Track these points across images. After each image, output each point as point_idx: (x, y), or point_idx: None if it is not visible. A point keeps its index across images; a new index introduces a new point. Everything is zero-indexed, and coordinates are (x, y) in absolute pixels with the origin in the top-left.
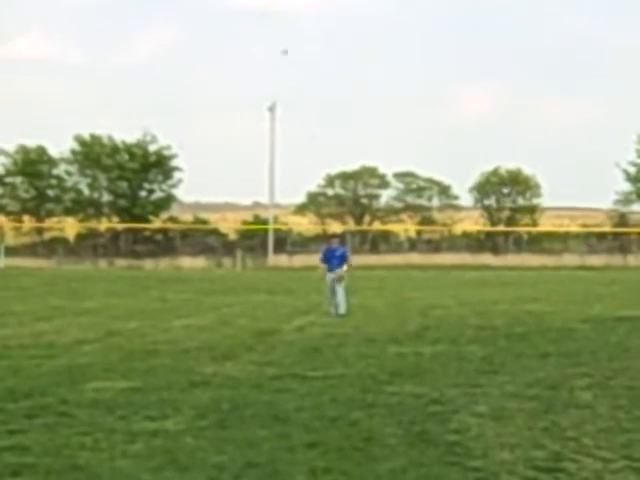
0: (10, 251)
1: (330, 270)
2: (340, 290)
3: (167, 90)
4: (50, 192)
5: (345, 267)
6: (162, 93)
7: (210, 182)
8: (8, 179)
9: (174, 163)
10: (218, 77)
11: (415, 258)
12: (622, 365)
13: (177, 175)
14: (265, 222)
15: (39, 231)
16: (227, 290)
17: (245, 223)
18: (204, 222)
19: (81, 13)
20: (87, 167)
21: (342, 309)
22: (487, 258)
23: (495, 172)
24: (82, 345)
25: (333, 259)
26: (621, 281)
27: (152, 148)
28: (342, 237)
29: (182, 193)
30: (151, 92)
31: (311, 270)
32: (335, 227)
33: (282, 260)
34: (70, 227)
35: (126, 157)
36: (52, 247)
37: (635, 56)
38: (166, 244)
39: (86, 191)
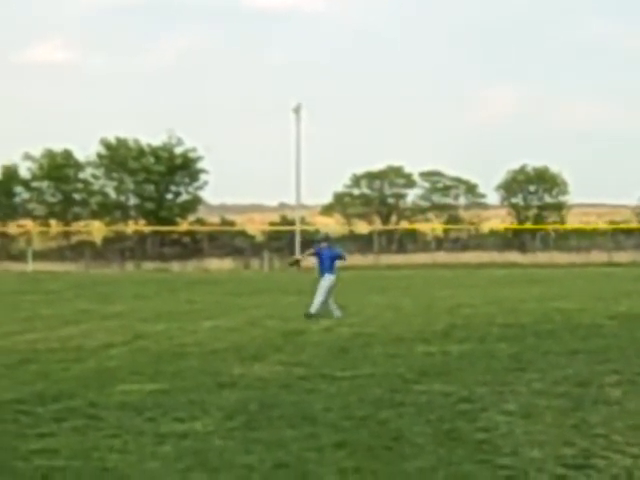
0: (38, 255)
1: (321, 273)
2: (321, 290)
3: (192, 93)
4: (77, 196)
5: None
6: (187, 96)
7: (236, 184)
8: (35, 183)
9: (200, 165)
10: (243, 79)
11: (442, 257)
12: None
13: (203, 177)
14: (292, 223)
15: (66, 235)
16: (255, 291)
17: (272, 224)
18: (231, 224)
19: (105, 18)
20: (113, 170)
21: (313, 308)
22: (514, 256)
23: (522, 170)
24: (110, 348)
25: (321, 262)
26: None
27: (178, 151)
28: (328, 238)
29: (209, 195)
30: (176, 95)
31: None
32: (362, 227)
33: (309, 261)
34: (97, 230)
35: (152, 160)
36: (79, 251)
37: None
38: (193, 246)
39: (112, 194)
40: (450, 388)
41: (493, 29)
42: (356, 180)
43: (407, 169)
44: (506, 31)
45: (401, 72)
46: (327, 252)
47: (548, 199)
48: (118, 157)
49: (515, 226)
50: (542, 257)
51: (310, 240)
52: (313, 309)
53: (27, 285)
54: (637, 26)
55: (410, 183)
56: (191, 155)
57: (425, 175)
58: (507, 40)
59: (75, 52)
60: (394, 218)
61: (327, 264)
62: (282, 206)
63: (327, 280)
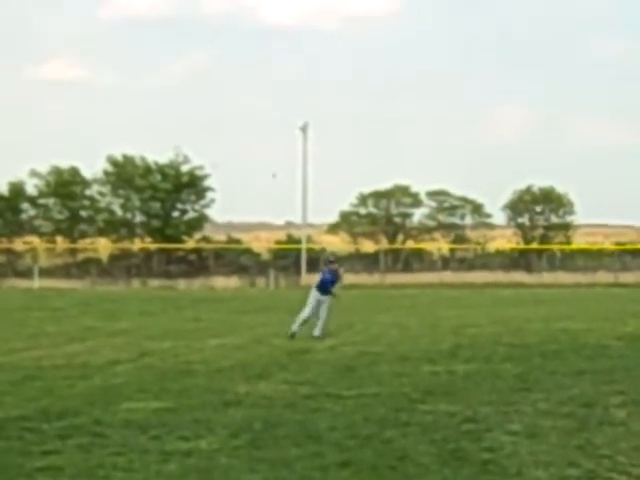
0: (44, 272)
1: (320, 291)
2: (324, 312)
3: (200, 110)
4: (83, 213)
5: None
6: (195, 113)
7: (243, 202)
8: (41, 200)
9: (207, 183)
10: (249, 97)
11: (448, 276)
12: None
13: (210, 195)
14: (298, 241)
15: (72, 252)
16: (261, 309)
17: (278, 242)
18: (237, 242)
19: (112, 35)
20: (120, 188)
21: (319, 331)
22: (521, 276)
23: (528, 190)
24: (115, 365)
25: (327, 282)
26: None
27: (184, 168)
28: (350, 257)
29: (215, 213)
30: (184, 112)
31: (345, 289)
32: (368, 246)
33: (315, 279)
34: (103, 248)
35: (159, 177)
36: (85, 268)
37: None
38: (199, 264)
39: (119, 212)
40: (455, 408)
41: (499, 51)
42: (363, 199)
43: (414, 188)
44: (512, 52)
45: (408, 92)
46: (332, 274)
47: (554, 219)
48: (125, 174)
49: (521, 246)
50: (548, 277)
51: (316, 258)
52: (318, 331)
53: (33, 302)
54: None
55: (417, 202)
56: (198, 173)
57: (432, 195)
58: (513, 61)
59: (84, 69)
60: (400, 237)
61: (330, 285)
62: (288, 224)
63: (327, 300)
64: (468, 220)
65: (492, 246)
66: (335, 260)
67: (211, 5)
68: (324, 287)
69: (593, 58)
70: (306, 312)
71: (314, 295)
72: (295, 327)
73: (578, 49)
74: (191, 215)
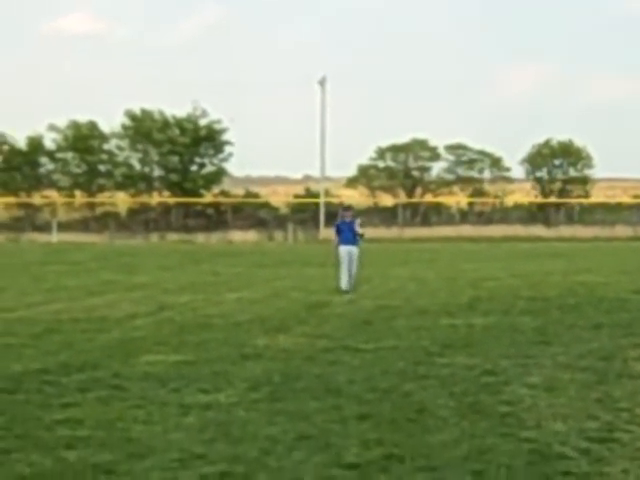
0: (62, 226)
1: (343, 243)
2: (354, 264)
3: (218, 65)
4: (101, 167)
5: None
6: (212, 68)
7: (261, 156)
8: (60, 155)
9: (225, 137)
10: (268, 51)
11: (467, 230)
12: None
13: (228, 149)
14: (316, 195)
15: (91, 206)
16: (279, 263)
17: (296, 196)
18: (255, 196)
19: None
20: (138, 142)
21: (349, 284)
22: (539, 230)
23: (546, 144)
24: (134, 319)
25: (347, 232)
26: None
27: (202, 122)
28: (353, 209)
29: (233, 167)
30: (201, 67)
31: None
32: (386, 200)
33: (333, 233)
34: (122, 202)
35: (177, 131)
36: (104, 222)
37: None
38: (217, 218)
39: (137, 166)
40: (474, 361)
41: (518, 6)
42: (381, 153)
43: (432, 142)
44: (531, 7)
45: (426, 46)
46: (353, 222)
47: (573, 173)
48: (143, 128)
49: (540, 200)
50: (566, 231)
51: (334, 212)
52: (349, 285)
53: (51, 256)
54: None
55: (435, 156)
56: (216, 127)
57: (450, 148)
58: (532, 16)
59: (102, 23)
60: (419, 191)
61: (350, 235)
62: (306, 178)
63: (348, 248)
64: (486, 174)
65: (510, 200)
66: (350, 207)
67: None
68: (346, 238)
69: (609, 14)
70: (343, 271)
71: (341, 251)
72: (344, 285)
73: (597, 4)
74: (209, 169)
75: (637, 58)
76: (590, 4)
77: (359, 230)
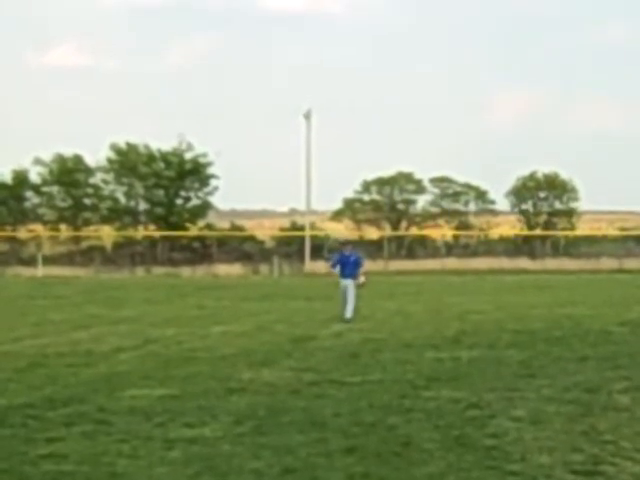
0: (47, 260)
1: (343, 277)
2: (351, 295)
3: (203, 97)
4: (87, 201)
5: (362, 277)
6: (197, 100)
7: (246, 189)
8: (45, 188)
9: (210, 171)
10: (253, 84)
11: (452, 263)
12: None
13: (213, 182)
14: (302, 229)
15: (76, 240)
16: (264, 297)
17: (282, 230)
18: (241, 229)
19: (115, 21)
20: (123, 175)
21: (349, 313)
22: (524, 262)
23: (531, 176)
24: (120, 353)
25: (347, 265)
26: None
27: (188, 156)
28: (354, 243)
29: (219, 201)
30: (186, 99)
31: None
32: (371, 232)
33: (319, 266)
34: (107, 235)
35: (162, 165)
36: (89, 255)
37: None
38: (203, 251)
39: (123, 199)
40: (459, 394)
41: (501, 36)
42: (366, 186)
43: (417, 175)
44: (514, 38)
45: (411, 79)
46: (353, 256)
47: (558, 205)
48: (128, 162)
49: (525, 232)
50: (552, 263)
51: (320, 245)
52: (349, 313)
53: (37, 290)
54: None
55: (420, 189)
56: (201, 160)
57: (435, 181)
58: (515, 47)
59: (87, 57)
60: (404, 224)
61: (349, 269)
62: (292, 212)
63: (348, 281)
64: (472, 206)
65: (496, 232)
66: (348, 241)
67: None
68: (344, 272)
69: (595, 43)
70: (342, 302)
71: (341, 283)
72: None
73: (581, 34)
74: (195, 202)
75: (622, 88)
76: (574, 34)
77: (362, 279)
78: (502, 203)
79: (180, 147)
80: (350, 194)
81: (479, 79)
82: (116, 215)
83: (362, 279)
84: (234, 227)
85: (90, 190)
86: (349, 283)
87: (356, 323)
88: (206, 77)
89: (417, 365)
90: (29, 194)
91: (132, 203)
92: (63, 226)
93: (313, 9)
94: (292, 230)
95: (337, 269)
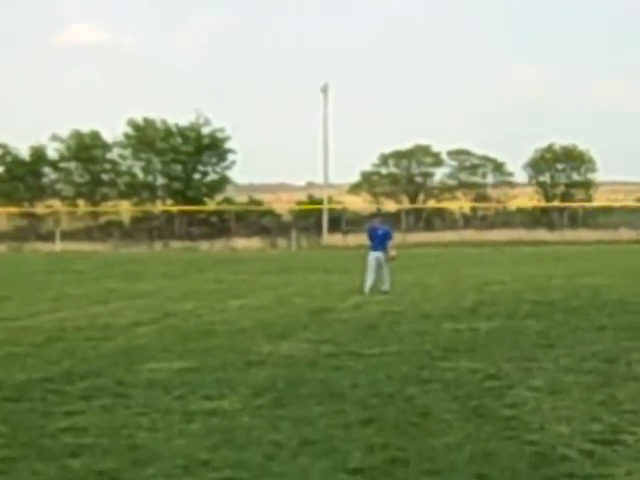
0: (66, 235)
1: (373, 249)
2: (384, 267)
3: (221, 73)
4: (104, 176)
5: (393, 250)
6: (215, 76)
7: (264, 163)
8: (62, 164)
9: (228, 145)
10: (270, 58)
11: (470, 235)
12: None
13: (231, 157)
14: (319, 202)
15: (94, 215)
16: (282, 270)
17: (299, 203)
18: (258, 203)
19: None
20: (141, 151)
21: (386, 286)
22: (542, 234)
23: (549, 148)
24: (138, 327)
25: (376, 238)
26: None
27: (205, 130)
28: (385, 216)
29: (236, 175)
30: (203, 75)
31: (364, 249)
32: (389, 205)
33: (337, 239)
34: (125, 211)
35: (179, 140)
36: (107, 231)
37: None
38: (221, 226)
39: (140, 175)
40: (477, 365)
41: (520, 8)
42: (384, 159)
43: (435, 148)
44: (533, 10)
45: (429, 52)
46: (381, 229)
47: (576, 177)
48: (146, 137)
49: (543, 204)
50: (570, 235)
51: (338, 218)
52: (386, 286)
53: (55, 265)
54: None
55: (438, 162)
56: (219, 135)
57: (452, 154)
58: (533, 19)
59: (105, 34)
60: (422, 197)
61: (378, 241)
62: (310, 185)
63: (378, 253)
64: (489, 179)
65: (513, 204)
66: (377, 214)
67: None
68: (374, 245)
69: (614, 15)
70: (369, 279)
71: (370, 257)
72: (367, 288)
73: (599, 6)
74: (212, 177)
75: (638, 59)
76: (589, 6)
77: (392, 252)
78: (520, 175)
79: (197, 122)
80: (368, 167)
81: (496, 52)
82: (134, 190)
83: (393, 252)
84: (252, 201)
85: (108, 166)
86: (378, 255)
87: (374, 296)
88: (223, 53)
89: (435, 336)
90: (47, 170)
91: (150, 178)
92: (81, 202)
93: None
94: (310, 204)
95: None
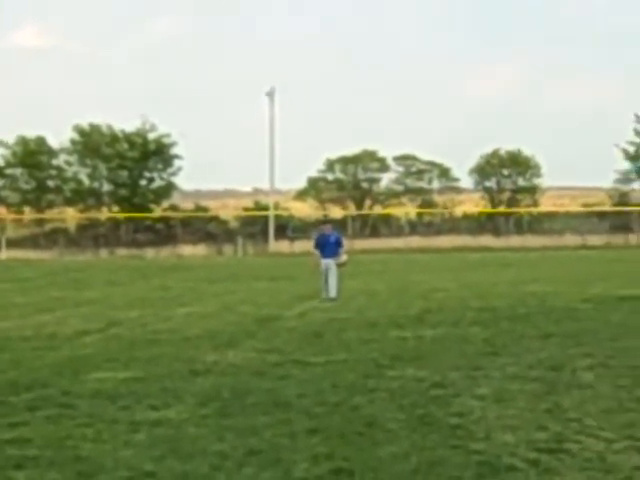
0: (11, 243)
1: (324, 257)
2: (333, 274)
3: (166, 78)
4: (50, 183)
5: (344, 255)
6: (161, 82)
7: (210, 170)
8: (8, 170)
9: (174, 151)
10: (216, 63)
11: (416, 241)
12: (624, 345)
13: (177, 163)
14: (266, 208)
15: (40, 222)
16: (228, 277)
17: (246, 209)
18: (205, 210)
19: (80, 3)
20: (87, 157)
21: (333, 293)
22: (488, 240)
23: (495, 154)
24: (83, 336)
25: (327, 245)
26: (623, 260)
27: (152, 136)
28: (333, 222)
29: (182, 181)
30: (150, 80)
31: (310, 256)
32: (336, 212)
33: (283, 246)
34: (71, 218)
35: (126, 146)
36: (53, 238)
37: (635, 38)
38: (167, 232)
39: (86, 181)
40: (423, 373)
41: (468, 12)
42: (330, 165)
43: (381, 153)
44: (481, 13)
45: (374, 56)
46: (332, 236)
47: (522, 182)
48: (92, 143)
49: (489, 210)
50: (516, 241)
51: (284, 225)
52: (333, 292)
53: (0, 273)
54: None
55: (384, 167)
56: (165, 141)
57: (399, 159)
58: (482, 24)
59: (49, 38)
60: (368, 202)
61: (329, 249)
62: (256, 191)
63: (328, 260)
64: (435, 184)
65: (459, 210)
66: (329, 220)
67: None
68: (326, 252)
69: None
70: (323, 283)
71: (322, 264)
72: (324, 295)
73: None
74: (158, 183)
75: (584, 64)
76: (538, 9)
77: (344, 258)
78: (466, 181)
79: (143, 128)
80: (314, 173)
81: (442, 58)
82: (80, 197)
83: (344, 257)
84: (198, 208)
85: (53, 172)
86: (330, 262)
87: (320, 303)
88: (168, 58)
89: (381, 344)
90: None
91: (96, 185)
92: (27, 208)
93: None
94: (256, 210)
95: (317, 250)
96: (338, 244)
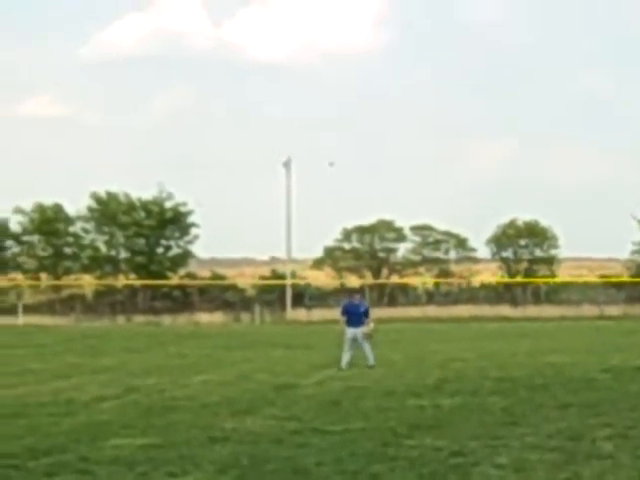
0: (28, 309)
1: (351, 325)
2: (367, 343)
3: (183, 147)
4: (67, 250)
5: (372, 324)
6: (178, 150)
7: (227, 238)
8: (25, 237)
9: (191, 219)
10: (233, 134)
11: (433, 311)
12: None
13: (194, 231)
14: (282, 277)
15: (56, 289)
16: (246, 345)
17: (262, 278)
18: (221, 278)
19: (95, 73)
20: (104, 224)
21: (371, 360)
22: (505, 310)
23: (511, 224)
24: (101, 402)
25: (356, 315)
26: None
27: (168, 205)
28: (362, 292)
29: (199, 249)
30: (166, 149)
31: (330, 324)
32: (352, 281)
33: (300, 314)
34: (87, 284)
35: (142, 214)
36: (70, 304)
37: None
38: (184, 300)
39: (103, 248)
40: (442, 442)
41: (482, 84)
42: (347, 234)
43: (398, 223)
44: (495, 86)
45: (391, 127)
46: (362, 306)
47: (539, 253)
48: (108, 211)
49: (506, 280)
50: (533, 310)
51: (301, 293)
52: (371, 360)
53: (17, 339)
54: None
55: (401, 237)
56: (181, 209)
57: (415, 229)
58: (497, 95)
59: (68, 107)
60: (385, 272)
61: (357, 318)
62: (273, 260)
63: (355, 330)
64: (452, 254)
65: (477, 280)
66: (359, 289)
67: (192, 43)
68: (353, 321)
69: (576, 92)
70: (345, 351)
71: (347, 332)
72: (344, 364)
73: (561, 83)
74: (175, 251)
75: (602, 138)
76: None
77: (371, 325)
78: (483, 251)
79: (160, 196)
80: (330, 242)
81: (459, 129)
82: (96, 264)
83: (371, 325)
84: (215, 276)
85: (70, 239)
86: (358, 332)
87: (338, 371)
88: (186, 127)
89: (399, 413)
90: (9, 243)
91: (113, 252)
92: (43, 275)
93: (290, 61)
94: (273, 278)
95: (344, 317)
96: (366, 314)
